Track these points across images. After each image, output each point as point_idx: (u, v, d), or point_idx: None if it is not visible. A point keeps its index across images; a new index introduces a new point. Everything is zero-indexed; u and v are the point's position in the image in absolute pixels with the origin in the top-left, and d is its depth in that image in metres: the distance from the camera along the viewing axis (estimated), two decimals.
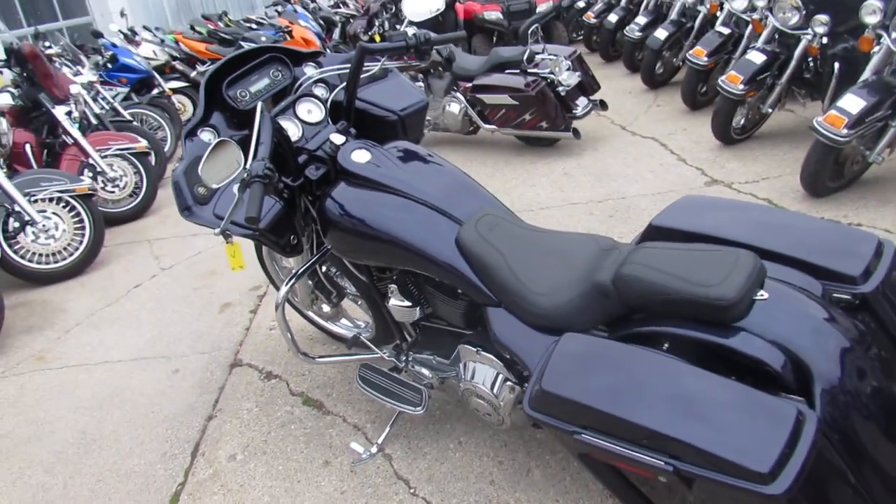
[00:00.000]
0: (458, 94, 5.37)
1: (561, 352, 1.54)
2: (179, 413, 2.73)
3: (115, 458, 2.53)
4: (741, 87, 4.24)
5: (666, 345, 1.54)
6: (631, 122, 5.66)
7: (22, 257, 4.11)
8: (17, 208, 4.03)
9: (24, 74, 4.90)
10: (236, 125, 2.16)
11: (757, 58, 4.31)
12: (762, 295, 1.44)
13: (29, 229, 4.09)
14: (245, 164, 1.83)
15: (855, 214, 3.45)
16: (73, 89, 5.04)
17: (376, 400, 2.23)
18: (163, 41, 8.71)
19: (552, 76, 4.87)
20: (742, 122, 4.63)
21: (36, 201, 4.14)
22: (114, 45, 7.10)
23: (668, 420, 1.32)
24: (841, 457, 1.33)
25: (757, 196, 3.85)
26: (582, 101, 5.07)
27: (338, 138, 2.12)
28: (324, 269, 2.56)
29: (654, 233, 1.82)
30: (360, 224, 1.97)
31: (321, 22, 10.01)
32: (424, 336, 2.30)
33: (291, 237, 2.16)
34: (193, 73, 7.69)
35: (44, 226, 4.14)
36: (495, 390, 1.91)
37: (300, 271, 2.28)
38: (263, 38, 7.91)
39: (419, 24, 5.94)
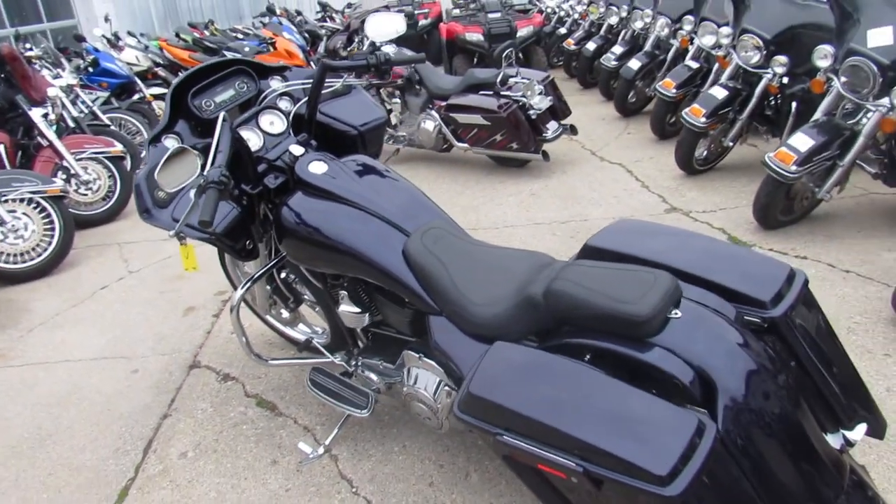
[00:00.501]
0: (434, 112, 5.51)
1: (490, 359, 1.64)
2: (135, 411, 2.78)
3: (68, 453, 2.58)
4: (703, 120, 4.41)
5: (588, 356, 1.64)
6: (601, 148, 5.82)
7: None
8: None
9: (2, 76, 4.94)
10: (200, 133, 2.25)
11: (719, 93, 4.48)
12: (676, 314, 1.55)
13: None
14: (203, 170, 1.92)
15: (802, 247, 3.60)
16: (51, 92, 5.09)
17: (325, 402, 2.31)
18: (147, 47, 8.81)
19: (524, 99, 5.02)
20: (704, 153, 4.80)
21: (6, 201, 4.18)
22: (96, 50, 7.18)
23: (580, 425, 1.42)
24: (740, 467, 1.43)
25: (712, 225, 4.01)
26: (552, 125, 5.22)
27: (297, 149, 2.22)
28: (283, 275, 2.65)
29: (589, 252, 1.93)
30: (313, 232, 2.06)
31: (306, 35, 10.14)
32: (374, 342, 2.38)
33: (247, 242, 2.25)
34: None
35: (13, 226, 4.18)
36: (434, 395, 2.00)
37: (256, 276, 2.37)
38: (247, 49, 8.02)
39: (398, 43, 6.10)
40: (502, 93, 5.09)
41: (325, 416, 2.59)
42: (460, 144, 5.39)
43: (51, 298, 3.99)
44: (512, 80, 5.16)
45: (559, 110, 5.34)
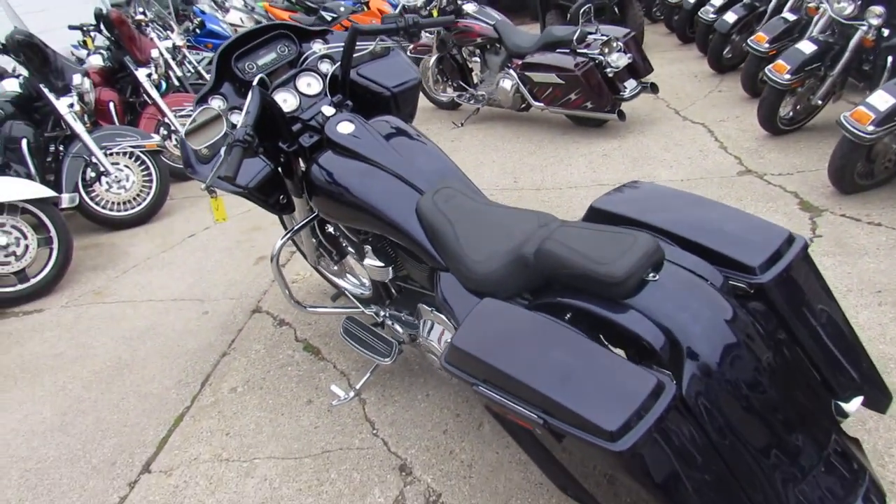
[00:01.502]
0: (511, 71, 5.48)
1: (475, 314, 1.72)
2: (200, 348, 3.08)
3: (139, 382, 2.91)
4: (787, 76, 4.15)
5: (569, 315, 1.68)
6: (687, 107, 5.59)
7: (97, 204, 4.61)
8: (94, 160, 4.51)
9: (112, 38, 5.38)
10: (244, 94, 2.42)
11: (807, 48, 4.19)
12: (653, 276, 1.57)
13: (104, 179, 4.58)
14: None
15: (878, 214, 3.37)
16: (154, 53, 5.49)
17: (354, 349, 2.47)
18: (253, 8, 9.19)
19: (601, 57, 4.90)
20: (790, 113, 4.52)
21: (111, 154, 4.61)
22: (202, 12, 7.60)
23: (544, 380, 1.48)
24: (704, 430, 1.45)
25: (785, 188, 3.82)
26: (630, 84, 5.07)
27: (328, 110, 2.35)
28: (329, 229, 2.81)
29: (593, 214, 1.94)
30: (336, 188, 2.20)
31: None
32: (403, 296, 2.51)
33: (281, 197, 2.42)
34: None
35: (116, 177, 4.61)
36: (443, 346, 2.11)
37: (295, 228, 2.55)
38: (342, 9, 8.21)
39: (484, 1, 6.07)
40: (579, 50, 4.98)
41: (361, 362, 2.77)
42: (536, 104, 5.35)
43: (146, 244, 4.41)
44: (591, 38, 5.04)
45: (640, 68, 5.16)
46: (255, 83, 2.21)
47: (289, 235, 2.54)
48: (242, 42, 2.45)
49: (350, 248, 2.86)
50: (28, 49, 4.50)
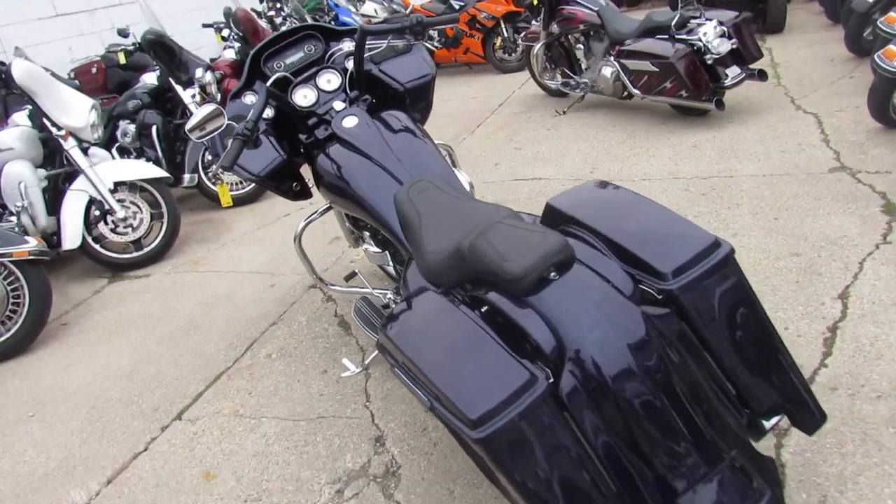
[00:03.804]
0: (612, 59, 5.36)
1: (406, 303, 1.85)
2: (257, 317, 3.43)
3: (200, 343, 3.31)
4: None
5: (485, 308, 1.75)
6: (806, 94, 5.15)
7: (213, 184, 5.15)
8: None
9: (240, 35, 5.95)
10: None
11: None
12: (555, 276, 1.60)
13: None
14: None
15: None
16: None
17: (360, 328, 2.66)
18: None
19: (701, 43, 4.66)
20: None
21: None
22: (336, 5, 8.10)
23: (435, 367, 1.58)
24: (581, 430, 1.49)
25: (874, 188, 3.45)
26: (733, 71, 4.77)
27: (338, 105, 2.54)
28: None
29: (548, 211, 1.98)
30: (333, 177, 2.39)
31: None
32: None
33: (294, 185, 2.65)
34: None
35: None
36: None
37: (319, 211, 2.80)
38: None
39: None
40: (678, 36, 4.78)
41: None
42: (635, 91, 5.19)
43: (248, 221, 4.89)
44: (693, 22, 4.80)
45: (746, 54, 4.84)
46: (268, 83, 2.45)
47: (310, 219, 2.78)
48: (274, 43, 2.70)
49: None
50: (159, 47, 5.13)
